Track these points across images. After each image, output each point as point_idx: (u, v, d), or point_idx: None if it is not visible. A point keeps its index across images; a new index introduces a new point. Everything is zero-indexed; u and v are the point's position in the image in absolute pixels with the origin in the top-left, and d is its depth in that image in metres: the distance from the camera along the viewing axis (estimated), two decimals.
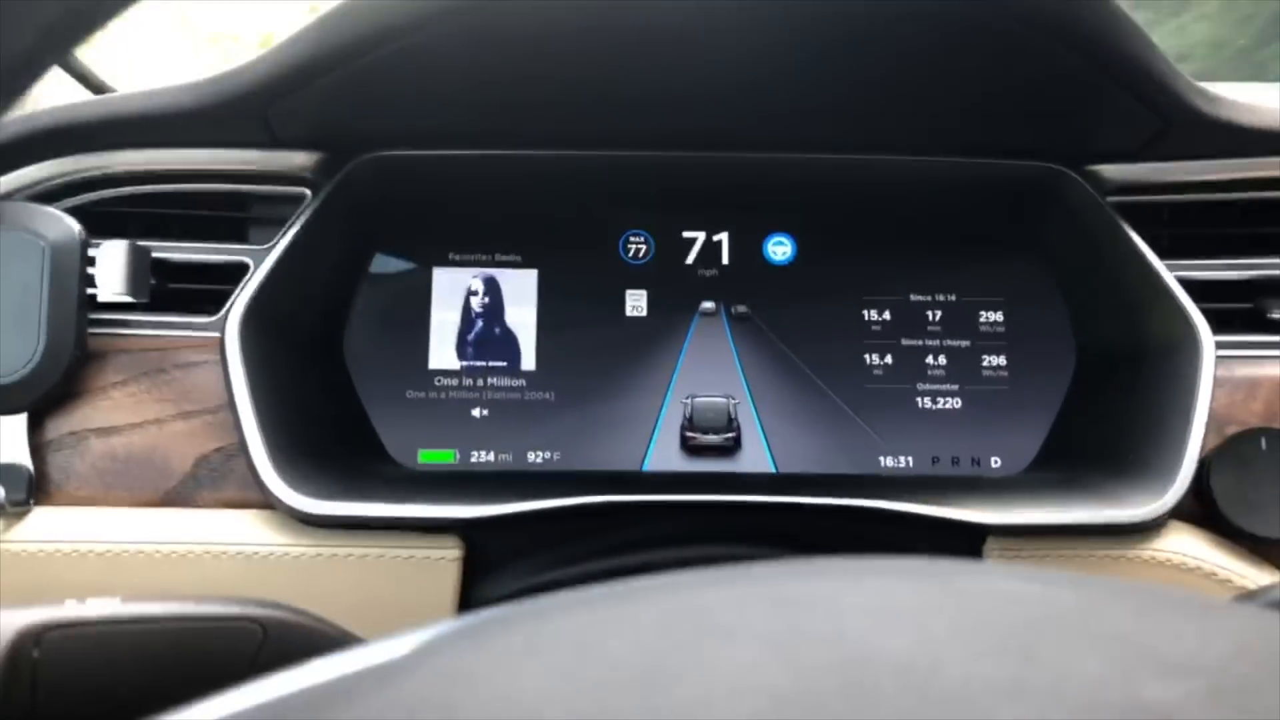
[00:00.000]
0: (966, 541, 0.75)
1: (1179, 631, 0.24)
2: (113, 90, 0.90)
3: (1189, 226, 0.85)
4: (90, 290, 0.77)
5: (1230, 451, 0.75)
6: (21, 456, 0.75)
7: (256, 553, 0.73)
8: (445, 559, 0.74)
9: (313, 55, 0.71)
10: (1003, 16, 0.66)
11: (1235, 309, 0.82)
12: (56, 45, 0.26)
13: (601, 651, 0.23)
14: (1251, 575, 0.73)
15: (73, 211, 0.78)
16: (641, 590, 0.26)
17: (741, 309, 0.90)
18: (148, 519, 0.75)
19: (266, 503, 0.75)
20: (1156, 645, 0.23)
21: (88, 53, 0.94)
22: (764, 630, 0.23)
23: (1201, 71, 1.00)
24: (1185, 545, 0.74)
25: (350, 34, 0.69)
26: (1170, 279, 0.80)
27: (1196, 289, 0.81)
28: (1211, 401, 0.76)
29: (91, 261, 0.77)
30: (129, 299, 0.77)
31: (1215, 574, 0.73)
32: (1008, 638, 0.23)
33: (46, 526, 0.73)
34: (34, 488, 0.75)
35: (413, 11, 0.66)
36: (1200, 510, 0.75)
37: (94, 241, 0.77)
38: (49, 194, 0.82)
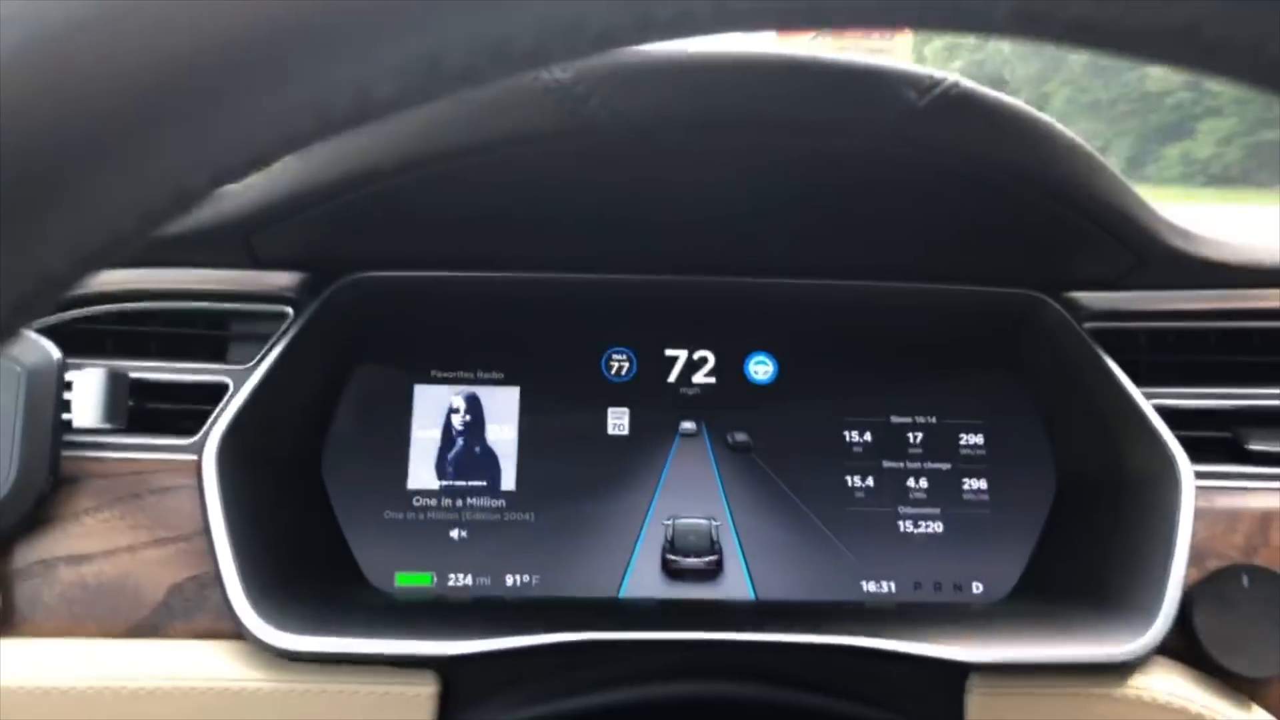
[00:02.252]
0: (948, 676, 0.74)
1: None
2: None
3: (1166, 353, 0.86)
4: (66, 415, 0.76)
5: (1212, 588, 0.75)
6: None
7: (228, 688, 0.72)
8: (421, 695, 0.72)
9: (298, 190, 0.71)
10: (975, 165, 0.67)
11: (1213, 438, 0.83)
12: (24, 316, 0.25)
13: None
14: (1238, 717, 0.73)
15: (49, 331, 0.78)
16: None
17: (740, 437, 0.90)
18: (116, 651, 0.73)
19: (238, 633, 0.73)
20: None
21: None
22: None
23: None
24: (1171, 684, 0.73)
25: (337, 172, 0.69)
26: (1148, 408, 0.81)
27: (1174, 417, 0.81)
28: (1192, 534, 0.76)
29: (68, 386, 0.76)
30: (106, 426, 0.76)
31: (1202, 715, 0.72)
32: None
33: (12, 661, 0.71)
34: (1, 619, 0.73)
35: (395, 159, 0.66)
36: (1184, 646, 0.75)
37: (72, 362, 0.77)
38: None
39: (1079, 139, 0.68)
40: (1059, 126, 0.66)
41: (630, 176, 0.72)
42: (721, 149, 0.67)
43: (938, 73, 0.60)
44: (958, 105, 0.61)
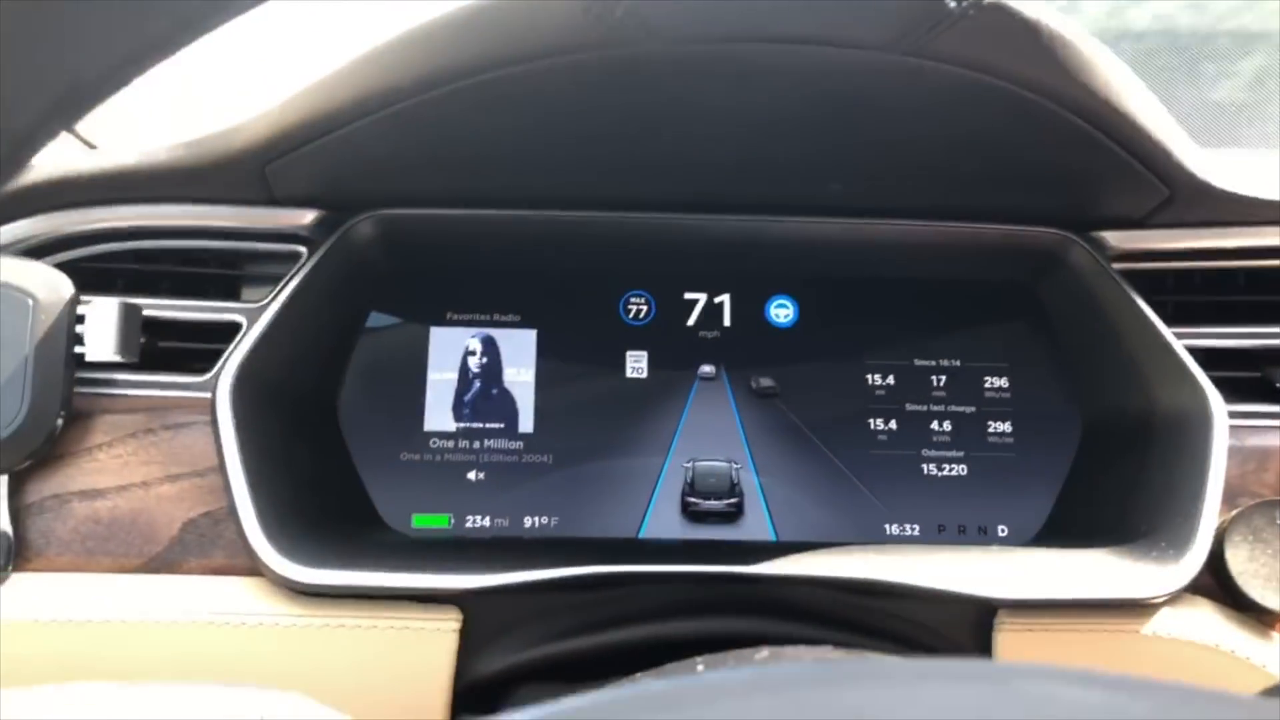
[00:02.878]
0: (976, 614, 0.73)
1: None
2: (95, 146, 0.89)
3: (1194, 294, 0.85)
4: (78, 349, 0.74)
5: (1244, 524, 0.73)
6: (1, 521, 0.72)
7: (244, 622, 0.71)
8: (443, 629, 0.71)
9: (312, 116, 0.70)
10: (1007, 82, 0.66)
11: (1243, 378, 0.82)
12: (62, 117, 0.24)
13: None
14: (1266, 651, 0.72)
15: (63, 267, 0.76)
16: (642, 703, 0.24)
17: (765, 383, 0.88)
18: (131, 586, 0.72)
19: (255, 570, 0.72)
20: None
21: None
22: None
23: None
24: (1200, 621, 0.72)
25: (351, 96, 0.68)
26: (1179, 347, 0.80)
27: (1204, 357, 0.80)
28: (1224, 473, 0.75)
29: (80, 319, 0.75)
30: (119, 359, 0.75)
31: (1233, 651, 0.71)
32: None
33: (25, 595, 0.70)
34: (13, 553, 0.72)
35: (411, 76, 0.64)
36: (1214, 584, 0.74)
37: (84, 299, 0.75)
38: (39, 249, 0.80)
39: (1116, 59, 0.66)
40: (1096, 44, 0.65)
41: (658, 97, 0.70)
42: (752, 68, 0.65)
43: None
44: (994, 17, 0.59)
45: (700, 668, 0.47)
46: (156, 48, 0.23)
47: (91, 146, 0.85)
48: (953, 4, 0.56)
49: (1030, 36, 0.61)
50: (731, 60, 0.63)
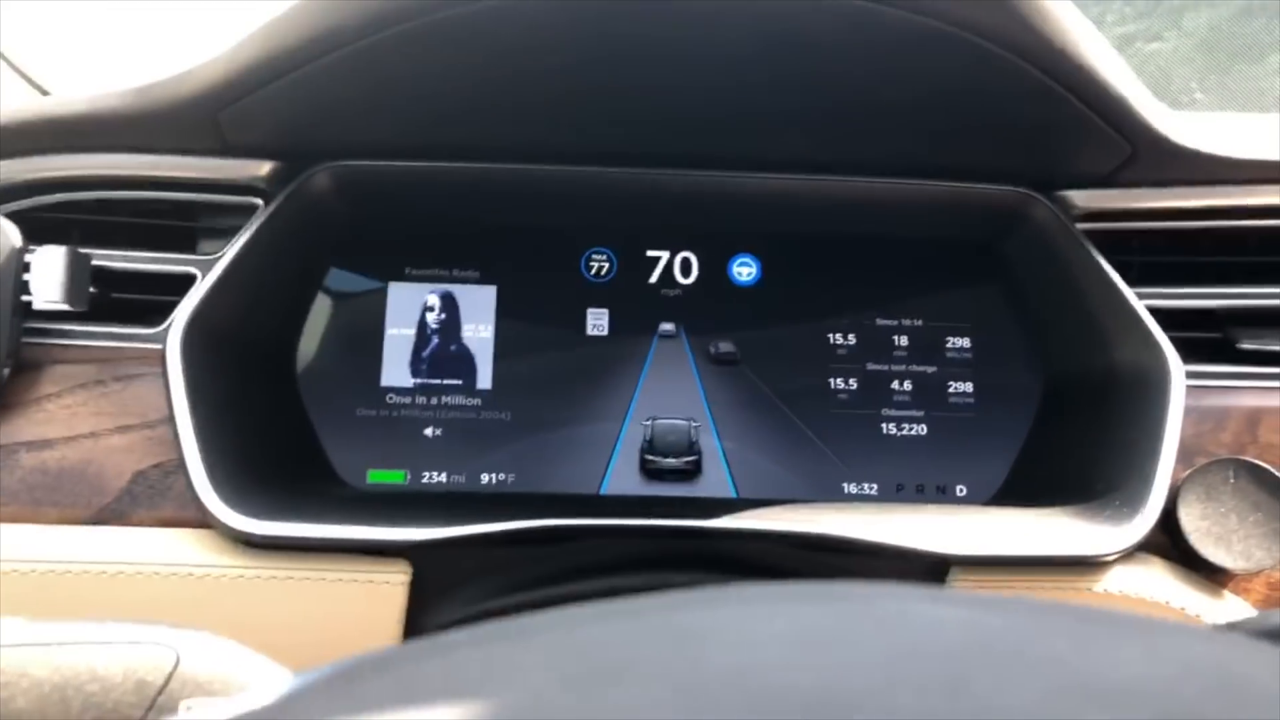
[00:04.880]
0: (930, 571, 0.73)
1: (1121, 656, 0.22)
2: (49, 91, 0.87)
3: (1159, 254, 0.84)
4: (25, 298, 0.73)
5: (1198, 483, 0.73)
6: None
7: (192, 573, 0.70)
8: (391, 582, 0.71)
9: (262, 58, 0.69)
10: (966, 32, 0.65)
11: (1204, 338, 0.81)
12: None
13: (489, 695, 0.20)
14: (1216, 608, 0.72)
15: (11, 217, 0.75)
16: (533, 628, 0.24)
17: (725, 348, 0.88)
18: (79, 537, 0.71)
19: (205, 522, 0.71)
20: (1098, 671, 0.21)
21: (29, 48, 0.91)
22: (665, 668, 0.21)
23: None
24: (1152, 578, 0.72)
25: (301, 36, 0.66)
26: (1140, 307, 0.79)
27: (1165, 317, 0.80)
28: (1181, 432, 0.74)
29: (27, 268, 0.74)
30: (66, 307, 0.74)
31: (1184, 608, 0.71)
32: (935, 668, 0.21)
33: None
34: None
35: (361, 14, 0.63)
36: (1168, 542, 0.74)
37: (31, 248, 0.74)
38: None
39: (1077, 12, 0.66)
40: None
41: (608, 45, 0.69)
42: (700, 11, 0.64)
43: None
44: None
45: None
46: None
47: (45, 92, 0.84)
48: None
49: None
50: (682, 5, 0.62)
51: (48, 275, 0.73)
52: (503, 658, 0.22)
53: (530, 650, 0.23)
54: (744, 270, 0.90)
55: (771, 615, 0.23)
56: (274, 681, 0.41)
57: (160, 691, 0.41)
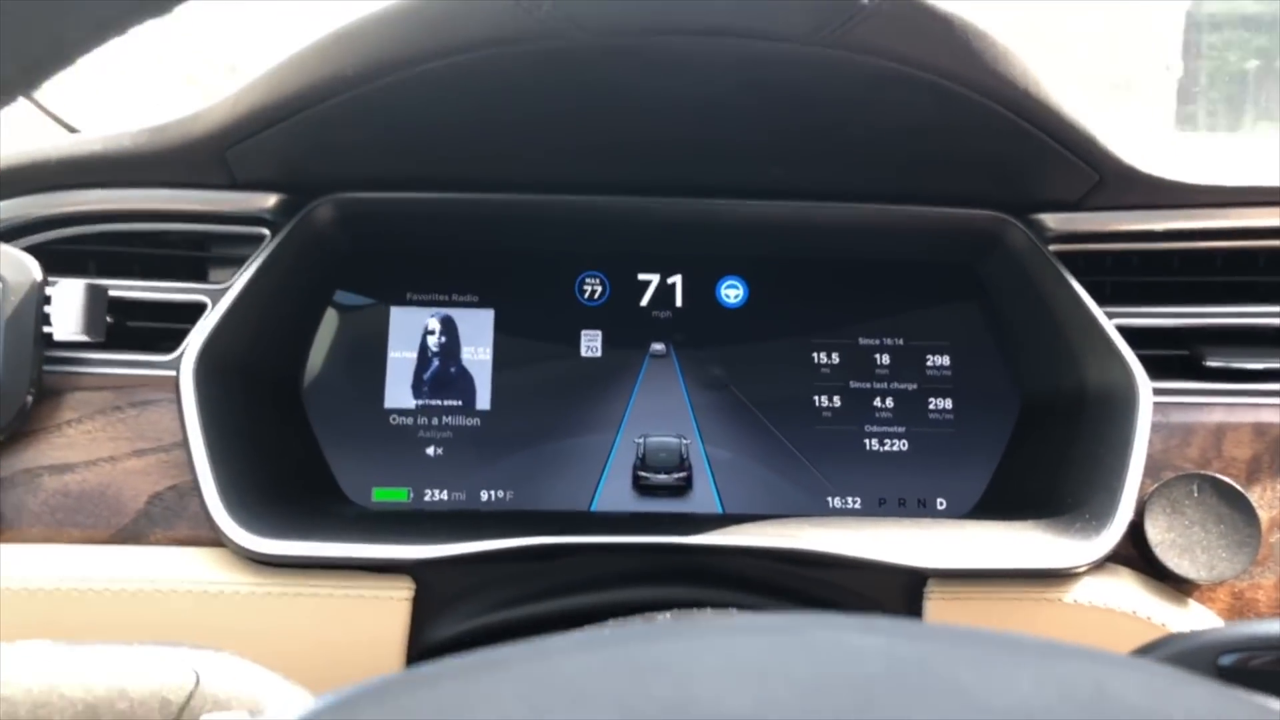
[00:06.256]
0: (908, 583, 0.77)
1: (1012, 682, 0.25)
2: (78, 129, 0.91)
3: (1130, 275, 0.88)
4: (46, 329, 0.77)
5: (1164, 497, 0.77)
6: None
7: (206, 591, 0.74)
8: (395, 598, 0.75)
9: (267, 102, 0.72)
10: (930, 74, 0.68)
11: (1172, 356, 0.85)
12: (30, 79, 0.27)
13: None
14: (1182, 618, 0.75)
15: (32, 250, 0.79)
16: (482, 665, 0.27)
17: (716, 372, 0.92)
18: (99, 556, 0.75)
19: (218, 541, 0.75)
20: (990, 697, 0.24)
21: (57, 89, 0.96)
22: (610, 697, 0.24)
23: None
24: (1120, 589, 0.76)
25: (303, 83, 0.70)
26: (1109, 327, 0.83)
27: (1135, 336, 0.83)
28: (1149, 447, 0.78)
29: (48, 300, 0.78)
30: (85, 338, 0.78)
31: (1150, 618, 0.74)
32: (846, 699, 0.24)
33: None
34: None
35: (361, 63, 0.67)
36: (1136, 554, 0.77)
37: (51, 280, 0.78)
38: (8, 232, 0.82)
39: (1028, 57, 0.69)
40: (1009, 42, 0.68)
41: (594, 88, 0.73)
42: (680, 59, 0.68)
43: None
44: (906, 10, 0.62)
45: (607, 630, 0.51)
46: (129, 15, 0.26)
47: (73, 130, 0.88)
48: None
49: (944, 29, 0.64)
50: (660, 51, 0.66)
51: (68, 309, 0.77)
52: (483, 691, 0.26)
53: (504, 681, 0.26)
54: (731, 292, 0.94)
55: (710, 648, 0.27)
56: (287, 704, 0.45)
57: (183, 709, 0.45)
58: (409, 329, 0.91)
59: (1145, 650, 0.44)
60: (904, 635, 0.27)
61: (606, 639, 0.28)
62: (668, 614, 0.51)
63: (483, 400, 0.90)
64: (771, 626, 0.28)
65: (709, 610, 0.54)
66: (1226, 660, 0.46)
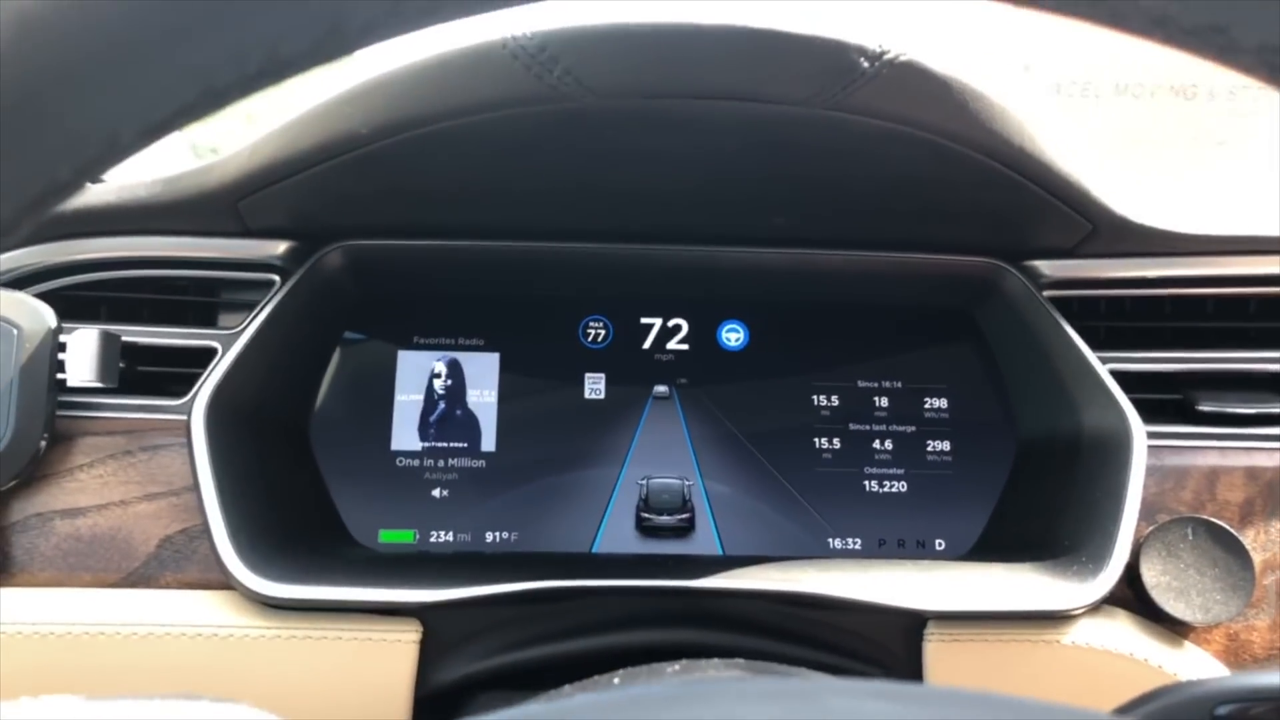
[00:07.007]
0: (908, 625, 0.78)
1: None
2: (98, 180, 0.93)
3: (1124, 320, 0.89)
4: (60, 375, 0.79)
5: (1159, 540, 0.78)
6: None
7: (216, 634, 0.75)
8: (403, 641, 0.75)
9: (277, 160, 0.74)
10: (928, 133, 0.70)
11: (1166, 400, 0.86)
12: (84, 179, 0.29)
13: None
14: (1178, 659, 0.76)
15: (45, 296, 0.81)
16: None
17: (713, 410, 0.93)
18: (109, 599, 0.76)
19: (228, 584, 0.76)
20: None
21: None
22: None
23: None
24: (1117, 631, 0.77)
25: (315, 141, 0.72)
26: (1103, 371, 0.84)
27: (1129, 380, 0.85)
28: (1143, 491, 0.79)
29: (63, 347, 0.79)
30: (99, 384, 0.79)
31: (1146, 660, 0.76)
32: None
33: (9, 608, 0.75)
34: None
35: (371, 126, 0.69)
36: (1132, 595, 0.79)
37: (66, 327, 0.80)
38: (24, 279, 0.84)
39: (1024, 112, 0.71)
40: (1005, 99, 0.70)
41: (602, 145, 0.75)
42: (686, 119, 0.70)
43: (886, 41, 0.63)
44: (905, 74, 0.64)
45: (616, 680, 0.52)
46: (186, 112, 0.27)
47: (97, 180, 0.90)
48: (865, 64, 0.61)
49: (942, 90, 0.66)
50: (667, 112, 0.68)
51: (82, 356, 0.79)
52: None
53: None
54: (733, 336, 0.96)
55: (720, 714, 0.28)
56: None
57: None
58: (416, 372, 0.93)
59: (1143, 700, 0.45)
60: (917, 701, 0.29)
61: (623, 703, 0.29)
62: (676, 665, 0.52)
63: (488, 442, 0.92)
64: (787, 692, 0.30)
65: (716, 661, 0.55)
66: (1223, 711, 0.47)
